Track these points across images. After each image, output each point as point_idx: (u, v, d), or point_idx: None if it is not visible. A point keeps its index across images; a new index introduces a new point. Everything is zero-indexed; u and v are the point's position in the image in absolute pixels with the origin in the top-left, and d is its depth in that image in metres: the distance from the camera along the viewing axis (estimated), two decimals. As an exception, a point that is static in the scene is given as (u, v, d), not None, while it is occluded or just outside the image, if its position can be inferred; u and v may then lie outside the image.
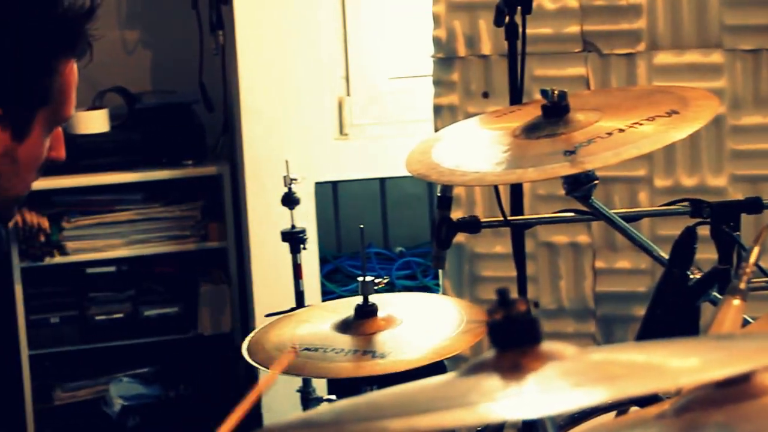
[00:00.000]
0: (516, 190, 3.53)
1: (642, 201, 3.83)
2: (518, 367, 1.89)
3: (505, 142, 2.92)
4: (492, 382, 1.88)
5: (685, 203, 3.09)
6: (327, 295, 4.75)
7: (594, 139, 2.78)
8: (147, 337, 4.99)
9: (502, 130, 2.97)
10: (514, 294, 3.55)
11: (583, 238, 3.92)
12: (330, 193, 5.10)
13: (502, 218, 3.41)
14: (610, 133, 2.79)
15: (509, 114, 3.06)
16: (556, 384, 1.88)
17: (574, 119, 2.89)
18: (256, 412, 4.52)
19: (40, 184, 4.58)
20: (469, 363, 1.95)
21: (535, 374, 1.89)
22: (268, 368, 3.16)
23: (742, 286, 2.61)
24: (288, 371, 3.23)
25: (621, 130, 2.79)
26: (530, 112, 2.97)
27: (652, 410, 2.32)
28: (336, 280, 4.85)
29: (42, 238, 4.84)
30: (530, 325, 1.92)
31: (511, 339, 1.91)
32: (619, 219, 3.15)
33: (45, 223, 4.86)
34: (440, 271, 4.20)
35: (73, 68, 2.46)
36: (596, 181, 2.95)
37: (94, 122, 4.93)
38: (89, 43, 2.47)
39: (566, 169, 2.74)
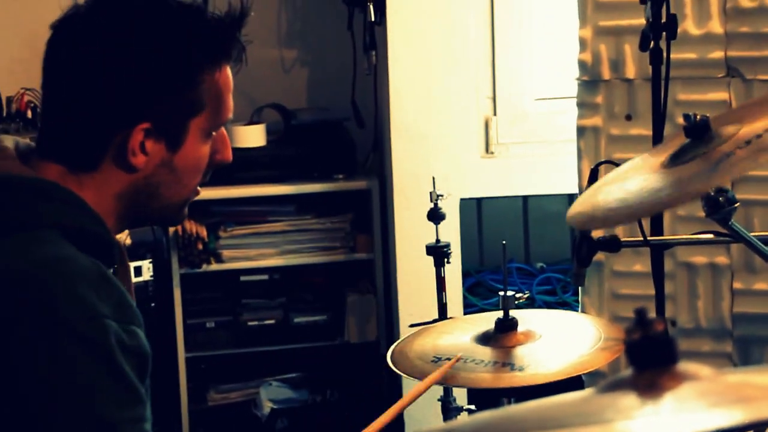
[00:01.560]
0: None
1: (782, 224, 3.73)
2: (655, 386, 1.78)
3: (655, 176, 2.84)
4: (629, 400, 1.78)
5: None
6: (469, 308, 4.73)
7: (742, 145, 2.71)
8: (296, 343, 4.98)
9: (652, 164, 2.90)
10: (652, 313, 3.45)
11: (721, 259, 3.83)
12: (474, 210, 5.05)
13: (642, 238, 3.34)
14: (748, 142, 2.71)
15: (659, 152, 2.98)
16: (692, 404, 1.76)
17: (718, 134, 2.81)
18: (398, 419, 4.48)
19: (201, 194, 4.62)
20: (607, 380, 1.85)
21: (671, 394, 1.78)
22: (413, 377, 3.14)
23: None
24: (438, 381, 3.21)
25: (759, 136, 2.71)
26: (676, 143, 2.90)
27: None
28: (478, 294, 4.79)
29: (200, 246, 4.86)
30: (667, 345, 1.81)
31: (648, 358, 1.81)
32: (758, 242, 3.06)
33: (203, 232, 4.87)
34: (580, 288, 4.14)
35: (227, 74, 2.39)
36: (737, 204, 2.87)
37: (252, 136, 4.94)
38: (243, 48, 2.41)
39: (715, 182, 2.70)
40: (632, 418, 1.71)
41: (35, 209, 2.30)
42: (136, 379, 2.27)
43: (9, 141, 2.41)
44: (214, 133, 2.43)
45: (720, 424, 1.75)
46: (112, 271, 2.37)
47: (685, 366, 1.84)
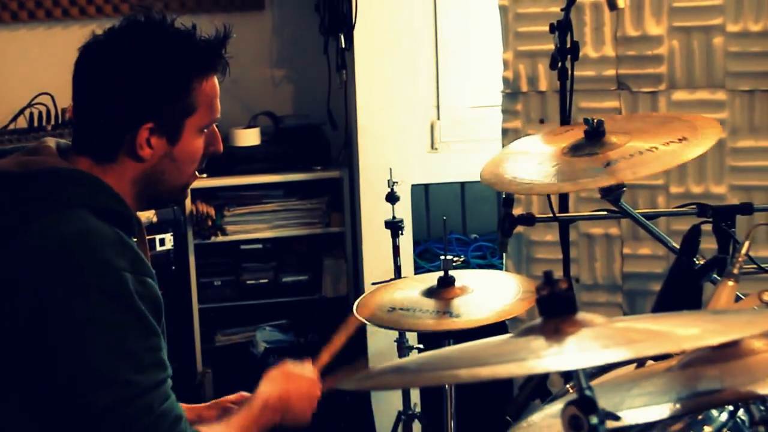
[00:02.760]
0: (563, 193, 3.51)
1: (660, 203, 3.80)
2: (559, 331, 1.87)
3: (555, 159, 2.89)
4: (538, 343, 1.86)
5: (693, 206, 3.07)
6: (418, 269, 4.76)
7: (626, 157, 2.76)
8: (284, 297, 5.02)
9: (553, 146, 2.96)
10: (559, 273, 3.52)
11: (614, 231, 3.89)
12: (422, 193, 5.08)
13: (552, 215, 3.39)
14: (641, 153, 2.76)
15: (560, 135, 3.03)
16: (588, 345, 1.85)
17: (609, 142, 2.87)
18: (363, 354, 4.53)
19: (209, 182, 4.74)
20: (520, 328, 1.94)
21: (572, 337, 1.86)
22: (373, 323, 3.20)
23: (735, 271, 2.58)
24: (387, 326, 3.24)
25: (650, 150, 2.77)
26: (575, 134, 2.95)
27: (663, 365, 2.29)
28: (426, 258, 4.83)
29: (209, 223, 4.89)
30: (569, 299, 1.90)
31: (554, 309, 1.89)
32: (642, 217, 3.13)
33: (212, 212, 4.91)
34: (504, 253, 4.19)
35: (213, 83, 2.47)
36: (624, 189, 2.93)
37: (249, 138, 4.98)
38: (226, 63, 2.48)
39: (600, 182, 2.74)
40: (541, 357, 1.80)
41: (70, 192, 2.39)
42: (152, 318, 2.35)
43: (51, 142, 2.52)
44: (206, 130, 2.52)
45: (610, 359, 1.84)
46: (135, 240, 2.46)
47: (583, 315, 1.93)
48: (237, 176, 4.90)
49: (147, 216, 4.57)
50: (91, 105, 2.48)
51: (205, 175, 4.79)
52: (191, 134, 2.48)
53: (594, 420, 1.78)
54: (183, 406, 2.79)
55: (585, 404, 1.80)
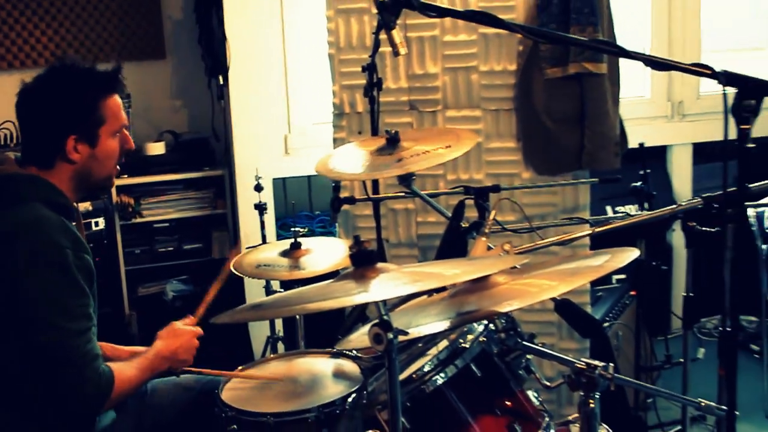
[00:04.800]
0: (375, 181, 3.54)
1: (440, 186, 3.83)
2: (364, 276, 1.92)
3: (367, 157, 2.94)
4: (350, 285, 1.91)
5: (461, 187, 3.13)
6: (279, 237, 4.76)
7: (413, 155, 2.81)
8: (186, 259, 4.97)
9: (366, 150, 2.99)
10: (373, 236, 3.54)
11: (410, 206, 3.92)
12: (281, 184, 5.06)
13: (367, 196, 3.44)
14: (424, 153, 2.81)
15: (371, 141, 3.07)
16: (385, 285, 1.90)
17: (403, 146, 2.92)
18: (240, 297, 4.53)
19: (129, 181, 4.66)
20: (339, 276, 1.97)
21: (374, 281, 1.91)
22: (247, 275, 3.19)
23: (487, 230, 2.65)
24: (256, 276, 3.23)
25: (430, 151, 2.82)
26: (380, 141, 2.99)
27: (440, 295, 2.36)
28: (284, 229, 4.83)
29: (130, 209, 4.82)
30: (371, 254, 1.94)
31: (360, 261, 1.94)
32: (427, 196, 3.19)
33: (132, 201, 4.84)
34: (336, 224, 4.20)
35: (115, 99, 2.52)
36: (414, 177, 2.98)
37: (157, 148, 4.91)
38: (123, 85, 2.54)
39: (396, 171, 2.77)
40: (352, 295, 1.85)
41: (28, 190, 2.44)
42: (86, 284, 2.37)
43: (12, 155, 2.61)
44: (118, 134, 2.55)
45: (400, 293, 1.90)
46: (74, 224, 2.47)
47: (381, 265, 1.98)
48: (149, 176, 4.83)
49: (84, 206, 4.51)
50: (30, 128, 2.52)
51: (126, 176, 4.75)
52: (106, 138, 2.52)
53: (390, 336, 1.84)
54: (109, 345, 2.82)
55: (384, 325, 1.85)
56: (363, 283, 1.86)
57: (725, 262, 2.14)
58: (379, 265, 1.92)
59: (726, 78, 1.84)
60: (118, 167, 2.61)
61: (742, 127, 1.84)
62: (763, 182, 3.19)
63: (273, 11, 4.70)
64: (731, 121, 1.89)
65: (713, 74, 1.87)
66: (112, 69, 2.52)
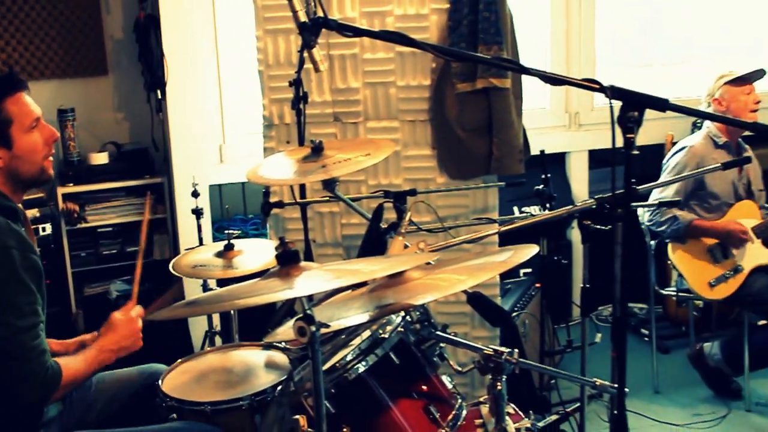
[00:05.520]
0: (302, 186, 3.52)
1: (362, 191, 3.83)
2: (289, 274, 1.91)
3: (294, 165, 2.93)
4: (276, 282, 1.90)
5: (381, 192, 3.14)
6: (216, 239, 4.70)
7: (335, 163, 2.81)
8: (128, 261, 4.83)
9: (293, 158, 2.98)
10: (301, 237, 3.51)
11: (335, 209, 3.90)
12: (217, 190, 5.01)
13: (294, 200, 3.42)
14: (345, 160, 2.81)
15: (298, 150, 3.06)
16: (307, 282, 1.89)
17: (326, 154, 2.91)
18: (181, 298, 4.47)
19: (75, 189, 4.59)
20: (266, 274, 1.96)
21: (297, 278, 1.91)
22: (183, 275, 3.15)
23: (403, 230, 2.66)
24: (192, 276, 3.20)
25: (350, 159, 2.82)
26: (306, 150, 2.98)
27: (360, 290, 2.36)
28: (220, 232, 4.79)
29: (75, 215, 4.70)
30: (295, 254, 1.94)
31: (285, 261, 1.92)
32: (349, 200, 3.19)
33: (77, 208, 4.72)
34: (267, 227, 4.17)
35: (18, 97, 2.44)
36: (337, 182, 2.98)
37: (100, 158, 4.80)
38: (25, 84, 2.47)
39: (320, 177, 2.77)
40: (277, 291, 1.84)
41: None
42: (33, 283, 2.32)
43: None
44: (34, 128, 2.46)
45: (321, 289, 1.89)
46: (22, 226, 2.41)
47: (304, 264, 1.97)
48: (93, 184, 4.72)
49: (32, 212, 4.41)
50: None
51: (71, 184, 4.66)
52: (21, 136, 2.44)
53: (313, 328, 1.84)
54: (57, 341, 2.76)
55: (307, 319, 1.85)
56: (287, 281, 1.86)
57: (615, 256, 2.17)
58: (303, 263, 1.92)
59: (612, 92, 1.87)
60: (50, 158, 2.54)
61: (628, 135, 1.87)
62: (649, 184, 3.27)
63: (207, 31, 4.66)
64: (618, 130, 1.92)
65: (601, 88, 1.90)
66: (6, 73, 2.48)
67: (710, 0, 5.66)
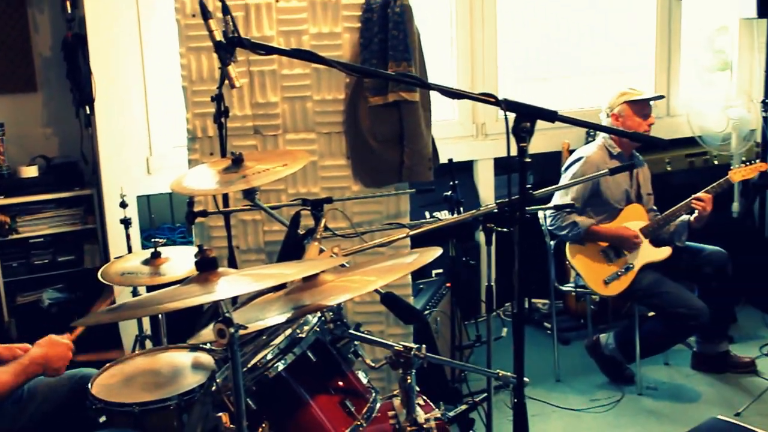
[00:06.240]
0: (225, 195, 3.47)
1: (282, 199, 3.81)
2: (207, 280, 1.90)
3: (216, 176, 2.90)
4: (195, 288, 1.88)
5: (299, 200, 3.12)
6: (145, 247, 4.56)
7: (255, 173, 2.79)
8: (60, 270, 4.73)
9: (215, 169, 2.96)
10: (224, 243, 3.47)
11: (258, 217, 3.87)
12: (145, 201, 4.93)
13: (218, 209, 3.39)
14: (264, 171, 2.80)
15: (220, 162, 3.03)
16: (224, 286, 1.88)
17: (246, 165, 2.90)
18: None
19: (5, 201, 4.48)
20: (186, 280, 1.94)
21: (216, 282, 1.89)
22: (112, 283, 3.09)
23: (319, 236, 2.66)
24: (121, 284, 3.15)
25: (269, 169, 2.81)
26: (228, 162, 2.96)
27: (280, 293, 2.35)
28: (149, 241, 4.69)
29: (6, 227, 4.58)
30: (212, 260, 1.92)
31: (204, 267, 1.91)
32: (268, 208, 3.18)
33: (8, 220, 4.59)
34: (193, 235, 4.12)
35: None
36: (257, 192, 2.97)
37: (30, 171, 4.67)
38: None
39: (241, 186, 2.75)
40: (196, 296, 1.82)
41: None
42: None
43: None
44: None
45: (238, 293, 1.88)
46: None
47: (222, 270, 1.96)
48: (24, 196, 4.59)
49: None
50: None
51: (2, 197, 4.53)
52: None
53: (231, 330, 1.83)
54: (3, 345, 2.69)
55: (226, 321, 1.84)
56: (206, 286, 1.84)
57: (515, 256, 2.21)
58: (221, 269, 1.91)
59: (506, 105, 1.91)
60: None
61: (521, 144, 1.91)
62: (546, 189, 3.34)
63: (133, 49, 4.58)
64: (513, 139, 1.96)
65: (496, 102, 1.94)
66: None
67: (604, 19, 5.81)
